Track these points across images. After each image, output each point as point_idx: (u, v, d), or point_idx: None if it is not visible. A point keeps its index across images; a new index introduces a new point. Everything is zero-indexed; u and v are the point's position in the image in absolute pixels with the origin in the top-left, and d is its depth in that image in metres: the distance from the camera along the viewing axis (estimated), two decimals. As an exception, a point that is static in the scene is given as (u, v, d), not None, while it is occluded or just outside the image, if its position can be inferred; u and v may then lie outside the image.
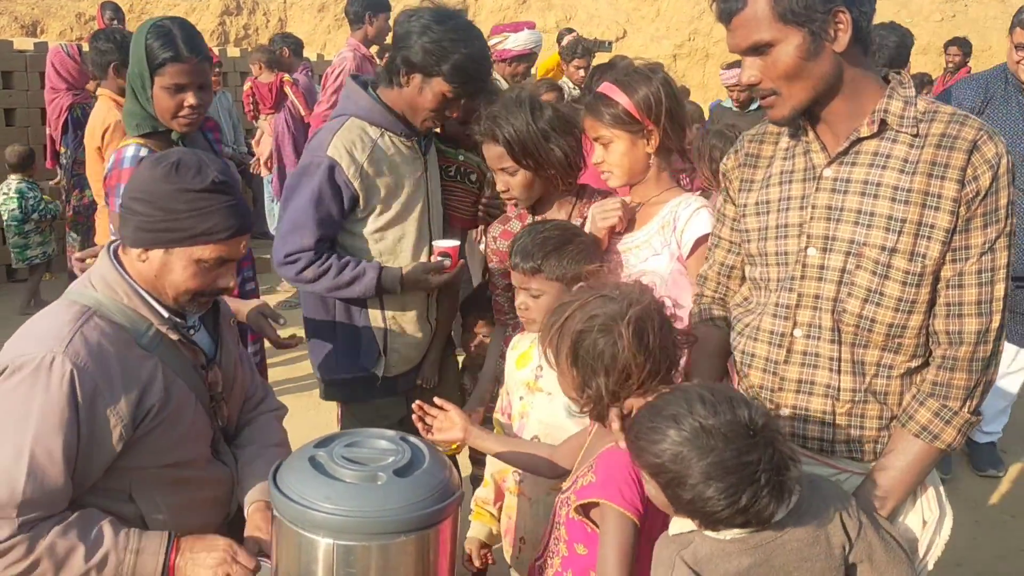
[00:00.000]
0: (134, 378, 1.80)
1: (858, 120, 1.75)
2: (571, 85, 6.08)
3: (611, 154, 2.32)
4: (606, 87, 2.34)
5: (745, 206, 1.93)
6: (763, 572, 1.55)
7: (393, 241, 2.70)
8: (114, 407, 1.76)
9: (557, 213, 2.57)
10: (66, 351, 1.72)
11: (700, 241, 2.25)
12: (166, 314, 1.87)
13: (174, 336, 1.89)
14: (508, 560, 2.30)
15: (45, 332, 1.77)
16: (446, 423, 2.02)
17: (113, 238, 1.98)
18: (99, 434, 1.76)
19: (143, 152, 2.53)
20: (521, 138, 2.44)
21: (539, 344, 1.90)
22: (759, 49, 1.70)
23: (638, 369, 1.67)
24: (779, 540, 1.55)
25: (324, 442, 1.66)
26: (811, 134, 1.80)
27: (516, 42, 5.17)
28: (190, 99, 2.56)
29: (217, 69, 8.29)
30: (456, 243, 2.76)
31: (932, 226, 1.68)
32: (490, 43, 4.26)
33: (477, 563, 2.33)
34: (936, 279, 1.71)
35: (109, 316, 1.82)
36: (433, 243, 2.77)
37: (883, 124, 1.73)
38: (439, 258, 2.70)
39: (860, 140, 1.75)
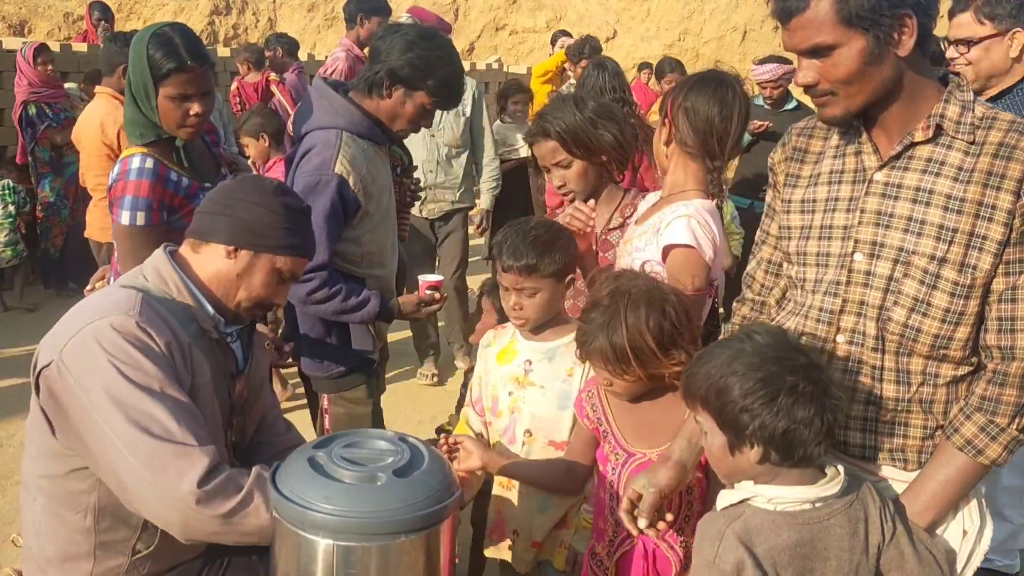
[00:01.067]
0: (192, 354, 1.87)
1: (913, 124, 1.71)
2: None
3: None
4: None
5: (790, 202, 1.90)
6: (806, 552, 1.58)
7: (380, 243, 2.85)
8: (183, 371, 1.84)
9: (607, 205, 2.63)
10: (142, 315, 1.78)
11: (671, 249, 2.20)
12: (211, 311, 1.93)
13: (215, 335, 1.93)
14: (501, 555, 2.31)
15: (111, 307, 1.80)
16: (463, 453, 2.11)
17: (168, 244, 2.02)
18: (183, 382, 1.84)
19: (149, 163, 2.52)
20: (571, 128, 2.53)
21: (582, 351, 1.99)
22: (819, 51, 1.66)
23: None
24: (826, 523, 1.59)
25: (323, 443, 1.66)
26: (864, 135, 1.77)
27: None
28: (196, 108, 2.55)
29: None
30: (440, 278, 3.10)
31: (984, 237, 1.65)
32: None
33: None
34: (986, 292, 1.69)
35: (162, 303, 1.88)
36: (419, 278, 3.01)
37: (938, 129, 1.69)
38: (429, 292, 2.94)
39: (914, 145, 1.71)
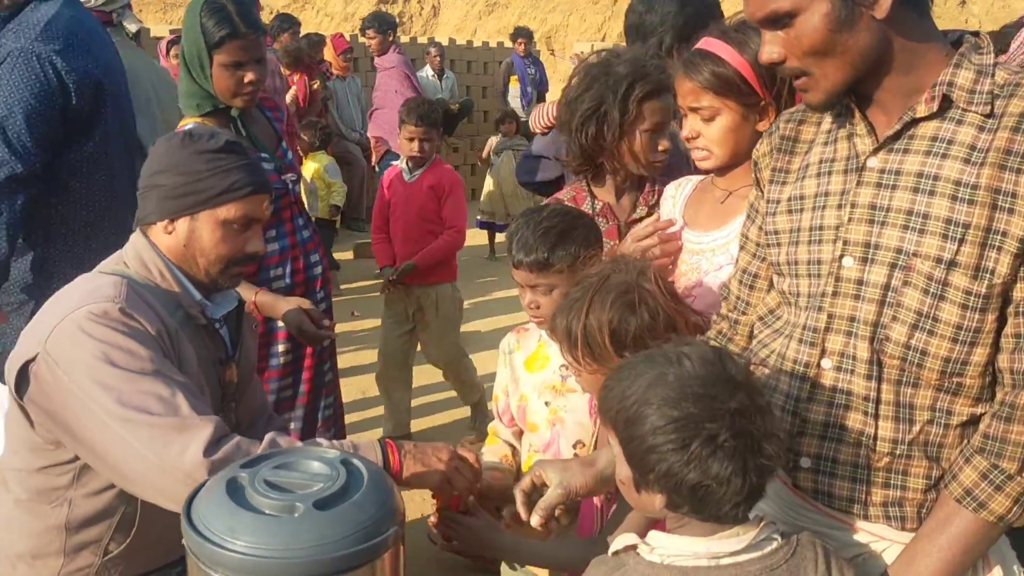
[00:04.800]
0: (178, 341, 1.77)
1: (916, 97, 1.38)
2: None
3: (713, 128, 1.93)
4: (713, 44, 1.92)
5: (777, 202, 1.57)
6: None
7: None
8: (171, 359, 1.74)
9: (631, 192, 2.30)
10: (128, 302, 1.70)
11: None
12: (197, 296, 1.83)
13: (202, 321, 1.83)
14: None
15: (93, 294, 1.72)
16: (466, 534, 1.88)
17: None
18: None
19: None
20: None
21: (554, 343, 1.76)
22: (779, 20, 1.36)
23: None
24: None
25: (255, 460, 1.46)
26: (857, 115, 1.44)
27: None
28: (250, 75, 2.54)
29: (349, 55, 8.37)
30: None
31: (1003, 233, 1.29)
32: None
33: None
34: (1006, 302, 1.32)
35: (145, 290, 1.78)
36: None
37: (946, 101, 1.35)
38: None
39: (916, 122, 1.37)
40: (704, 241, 2.01)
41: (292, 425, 2.74)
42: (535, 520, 1.59)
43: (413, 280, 4.19)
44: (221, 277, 1.86)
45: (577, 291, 1.69)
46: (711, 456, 1.21)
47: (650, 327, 1.62)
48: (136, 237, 1.86)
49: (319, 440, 1.72)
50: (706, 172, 2.05)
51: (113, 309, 1.68)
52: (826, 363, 1.46)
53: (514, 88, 10.55)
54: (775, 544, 1.29)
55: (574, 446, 1.98)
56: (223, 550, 1.29)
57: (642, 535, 1.38)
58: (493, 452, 2.16)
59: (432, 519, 1.91)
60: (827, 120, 1.53)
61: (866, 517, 1.45)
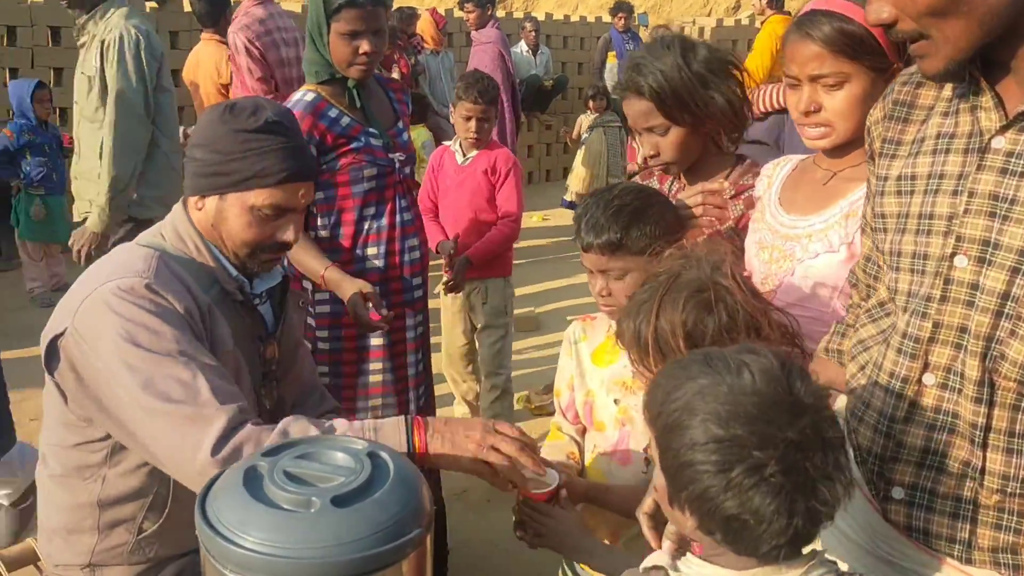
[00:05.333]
0: (211, 317, 1.71)
1: None
2: None
3: (838, 99, 1.69)
4: (834, 2, 1.69)
5: (885, 179, 1.37)
6: None
7: None
8: (202, 335, 1.67)
9: (710, 178, 2.11)
10: (156, 278, 1.65)
11: None
12: (234, 272, 1.76)
13: (239, 298, 1.77)
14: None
15: (123, 267, 1.67)
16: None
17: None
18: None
19: (308, 96, 2.51)
20: (673, 86, 1.95)
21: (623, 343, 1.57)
22: None
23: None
24: None
25: (277, 449, 1.37)
26: (983, 85, 1.21)
27: None
28: (364, 46, 2.49)
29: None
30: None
31: None
32: None
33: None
34: None
35: (179, 264, 1.73)
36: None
37: None
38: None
39: None
40: (800, 226, 1.81)
41: (381, 414, 2.65)
42: (666, 547, 1.36)
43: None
44: (249, 261, 1.78)
45: (644, 291, 1.53)
46: (754, 488, 1.03)
47: (729, 328, 1.44)
48: (177, 207, 1.80)
49: (336, 422, 1.62)
50: (822, 150, 1.83)
51: (140, 285, 1.62)
52: (928, 379, 1.25)
53: (612, 64, 10.30)
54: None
55: (645, 450, 1.83)
56: (232, 545, 1.20)
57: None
58: (558, 449, 2.01)
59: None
60: (950, 86, 1.30)
61: (970, 561, 1.25)
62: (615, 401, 1.87)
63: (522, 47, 9.31)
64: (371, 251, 2.56)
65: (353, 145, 2.49)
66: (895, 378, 1.29)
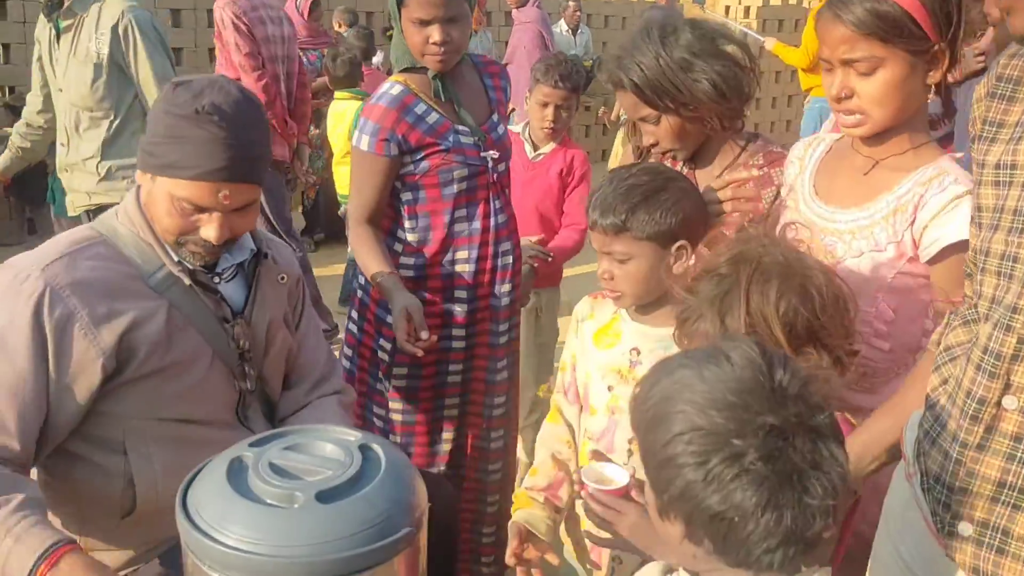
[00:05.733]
0: (125, 311, 1.61)
1: None
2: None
3: (872, 84, 1.56)
4: None
5: (982, 165, 1.22)
6: None
7: None
8: (94, 336, 1.58)
9: (721, 162, 2.00)
10: (44, 270, 1.57)
11: (952, 250, 1.53)
12: (175, 257, 1.68)
13: (187, 281, 1.68)
14: None
15: (40, 251, 1.64)
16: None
17: None
18: (76, 364, 1.59)
19: (395, 89, 2.31)
20: (653, 77, 1.85)
21: (682, 331, 1.48)
22: None
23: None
24: None
25: (265, 439, 1.31)
26: None
27: None
28: (435, 35, 2.25)
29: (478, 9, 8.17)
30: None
31: None
32: None
33: (511, 559, 1.73)
34: None
35: (120, 247, 1.66)
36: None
37: None
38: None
39: None
40: (841, 220, 1.67)
41: (457, 413, 2.49)
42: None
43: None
44: (178, 249, 1.68)
45: (717, 282, 1.42)
46: (735, 479, 0.95)
47: (820, 308, 1.36)
48: (133, 188, 1.74)
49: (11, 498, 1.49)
50: (858, 138, 1.69)
51: (31, 282, 1.56)
52: (1009, 402, 1.12)
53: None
54: None
55: (629, 442, 1.75)
56: (210, 540, 1.14)
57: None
58: (555, 437, 1.91)
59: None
60: None
61: None
62: (608, 388, 1.78)
63: (562, 26, 9.14)
64: (460, 255, 2.38)
65: (442, 145, 2.28)
66: (972, 398, 1.15)
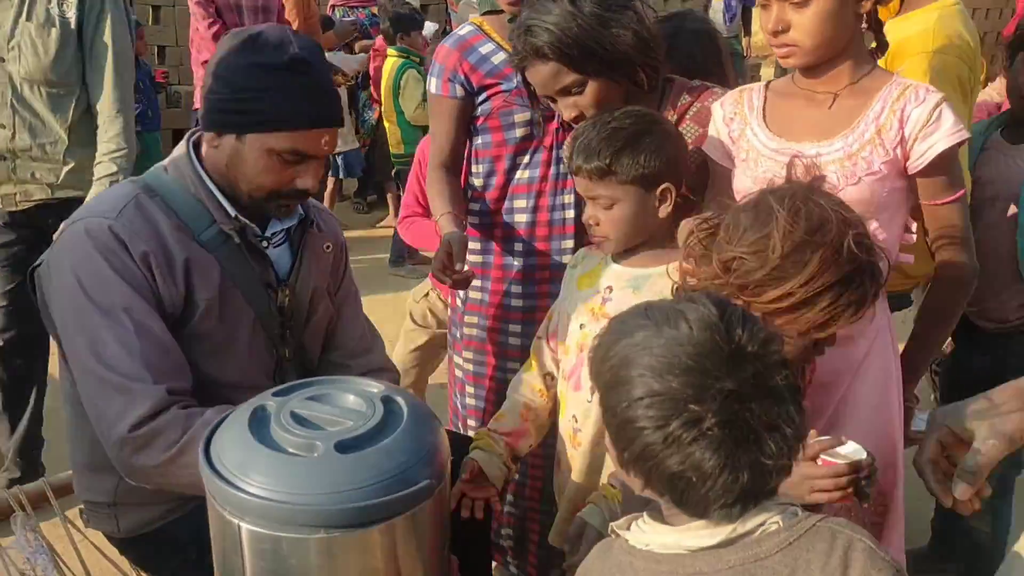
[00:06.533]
0: (185, 261, 1.59)
1: None
2: None
3: (805, 16, 1.61)
4: None
5: None
6: None
7: None
8: (171, 279, 1.57)
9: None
10: (119, 219, 1.55)
11: (942, 157, 1.59)
12: (232, 212, 1.64)
13: (237, 240, 1.65)
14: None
15: (98, 204, 1.63)
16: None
17: (196, 131, 1.76)
18: (166, 303, 1.58)
19: (464, 30, 2.24)
20: (573, 37, 1.77)
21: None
22: None
23: None
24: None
25: (287, 390, 1.31)
26: None
27: None
28: None
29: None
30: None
31: None
32: None
33: (457, 493, 1.66)
34: None
35: (170, 202, 1.63)
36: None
37: None
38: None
39: None
40: (825, 152, 1.66)
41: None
42: (964, 493, 1.12)
43: None
44: (267, 205, 1.65)
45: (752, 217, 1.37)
46: (693, 443, 0.97)
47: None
48: (182, 143, 1.70)
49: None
50: (800, 72, 1.72)
51: (102, 227, 1.54)
52: None
53: (717, 2, 9.84)
54: (773, 528, 1.01)
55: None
56: (230, 487, 1.14)
57: None
58: (528, 386, 1.85)
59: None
60: None
61: None
62: (580, 326, 1.73)
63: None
64: (519, 204, 2.28)
65: (504, 86, 2.17)
66: None
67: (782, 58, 1.68)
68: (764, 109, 1.76)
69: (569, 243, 2.28)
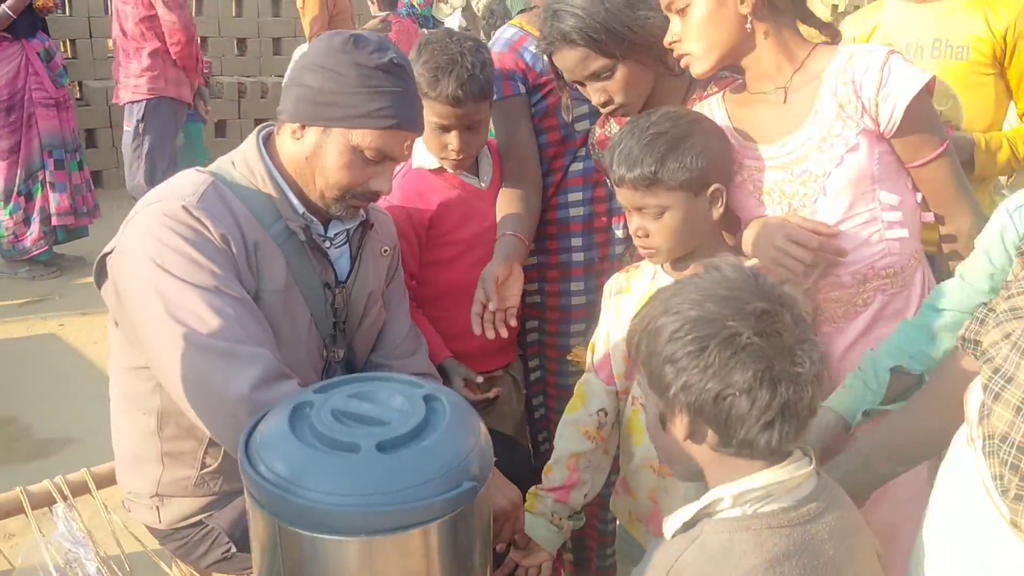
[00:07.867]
0: (259, 253, 1.61)
1: None
2: None
3: (688, 23, 1.63)
4: None
5: None
6: (807, 564, 1.08)
7: None
8: (243, 268, 1.58)
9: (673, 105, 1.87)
10: (200, 202, 1.57)
11: (910, 111, 1.54)
12: (301, 209, 1.65)
13: (303, 237, 1.65)
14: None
15: (173, 188, 1.62)
16: None
17: (266, 125, 1.77)
18: (243, 282, 1.59)
19: (509, 32, 2.25)
20: (600, 21, 1.74)
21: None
22: None
23: None
24: (816, 526, 1.11)
25: (329, 386, 1.28)
26: None
27: None
28: None
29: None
30: None
31: None
32: None
33: (510, 565, 1.72)
34: None
35: (240, 193, 1.64)
36: None
37: None
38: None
39: None
40: (797, 144, 1.64)
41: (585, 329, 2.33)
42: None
43: None
44: (336, 204, 1.66)
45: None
46: (732, 358, 1.07)
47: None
48: (252, 136, 1.71)
49: None
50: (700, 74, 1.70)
51: (180, 209, 1.54)
52: None
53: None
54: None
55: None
56: (267, 484, 1.12)
57: None
58: (575, 430, 1.79)
59: None
60: None
61: None
62: None
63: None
64: (576, 196, 2.25)
65: (557, 83, 2.15)
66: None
67: (685, 67, 1.69)
68: (729, 121, 1.73)
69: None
